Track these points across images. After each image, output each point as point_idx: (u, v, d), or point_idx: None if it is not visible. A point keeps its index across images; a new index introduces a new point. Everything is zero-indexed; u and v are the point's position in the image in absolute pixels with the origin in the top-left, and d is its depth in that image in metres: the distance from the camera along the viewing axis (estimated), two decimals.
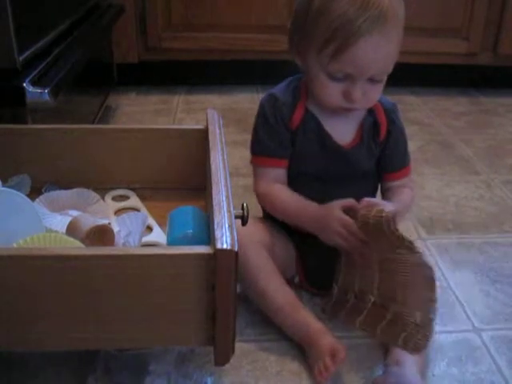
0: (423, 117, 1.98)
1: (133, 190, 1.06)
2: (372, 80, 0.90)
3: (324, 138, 0.97)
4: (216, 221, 0.69)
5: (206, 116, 1.03)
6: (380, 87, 0.92)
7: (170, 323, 0.71)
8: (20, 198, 0.83)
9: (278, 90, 0.99)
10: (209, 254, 0.66)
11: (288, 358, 0.91)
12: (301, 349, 0.92)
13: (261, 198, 1.00)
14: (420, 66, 2.09)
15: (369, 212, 0.83)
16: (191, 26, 2.01)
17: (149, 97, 2.07)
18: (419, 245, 0.79)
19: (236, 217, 0.75)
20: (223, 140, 0.94)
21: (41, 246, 0.75)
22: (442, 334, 0.97)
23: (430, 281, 0.79)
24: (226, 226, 0.68)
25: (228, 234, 0.67)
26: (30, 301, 0.68)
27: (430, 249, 1.20)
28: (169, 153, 1.05)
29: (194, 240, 0.82)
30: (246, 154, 1.02)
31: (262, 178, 1.00)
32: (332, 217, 0.88)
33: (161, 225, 0.95)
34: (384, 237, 0.82)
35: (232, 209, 0.73)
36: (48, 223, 0.88)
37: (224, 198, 0.75)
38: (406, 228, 1.26)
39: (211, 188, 0.78)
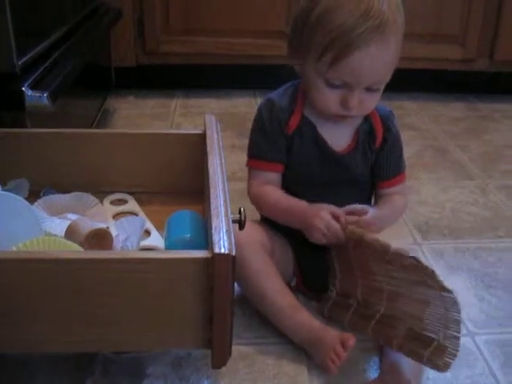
0: (420, 122, 1.99)
1: (131, 194, 1.07)
2: (369, 89, 0.90)
3: (319, 143, 0.98)
4: (214, 225, 0.70)
5: (204, 121, 1.04)
6: (377, 96, 0.93)
7: (167, 326, 0.72)
8: (19, 201, 0.83)
9: (276, 94, 1.00)
10: (206, 259, 0.67)
11: (285, 361, 0.91)
12: (298, 352, 0.92)
13: (252, 198, 1.01)
14: (417, 72, 2.10)
15: (353, 230, 0.87)
16: (189, 30, 2.02)
17: (146, 100, 2.08)
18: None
19: (233, 221, 0.75)
20: (221, 144, 0.95)
21: (40, 249, 0.75)
22: None
23: (454, 304, 0.80)
24: (224, 230, 0.69)
25: (225, 238, 0.68)
26: (28, 303, 0.68)
27: (425, 253, 1.21)
28: (167, 157, 1.05)
29: (192, 244, 0.83)
30: (244, 158, 1.03)
31: (255, 179, 1.01)
32: (319, 216, 0.90)
33: (159, 229, 0.96)
34: (372, 252, 0.85)
35: (229, 213, 0.74)
36: (47, 227, 0.89)
37: (222, 203, 0.75)
38: (402, 233, 1.28)
39: (209, 192, 0.79)
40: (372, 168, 1.01)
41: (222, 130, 1.03)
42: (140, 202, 1.05)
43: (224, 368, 0.77)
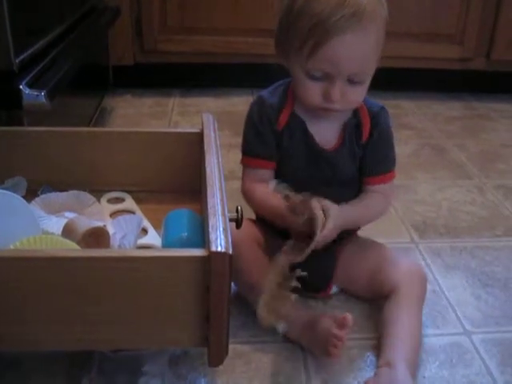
0: (417, 121, 1.99)
1: (128, 192, 1.07)
2: (352, 81, 0.90)
3: (308, 140, 0.98)
4: (210, 224, 0.70)
5: (202, 119, 1.04)
6: (361, 89, 0.93)
7: (164, 324, 0.72)
8: (16, 199, 0.84)
9: (267, 92, 1.01)
10: (203, 257, 0.67)
11: (281, 359, 0.92)
12: (294, 350, 0.93)
13: (244, 195, 1.02)
14: (414, 71, 2.10)
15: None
16: (187, 29, 2.02)
17: (144, 99, 2.08)
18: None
19: (230, 220, 0.76)
20: (218, 143, 0.95)
21: (37, 247, 0.75)
22: (434, 336, 0.98)
23: None
24: (221, 228, 0.69)
25: (222, 236, 0.68)
26: (25, 301, 0.68)
27: (422, 252, 1.21)
28: (164, 156, 1.05)
29: (189, 243, 0.83)
30: (241, 157, 1.03)
31: (247, 176, 1.02)
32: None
33: (156, 227, 0.96)
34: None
35: (226, 212, 0.74)
36: (44, 225, 0.89)
37: (218, 201, 0.75)
38: (399, 232, 1.28)
39: (206, 191, 0.79)
40: (360, 164, 1.02)
41: (220, 128, 1.03)
42: (137, 201, 1.05)
43: (221, 366, 0.77)
